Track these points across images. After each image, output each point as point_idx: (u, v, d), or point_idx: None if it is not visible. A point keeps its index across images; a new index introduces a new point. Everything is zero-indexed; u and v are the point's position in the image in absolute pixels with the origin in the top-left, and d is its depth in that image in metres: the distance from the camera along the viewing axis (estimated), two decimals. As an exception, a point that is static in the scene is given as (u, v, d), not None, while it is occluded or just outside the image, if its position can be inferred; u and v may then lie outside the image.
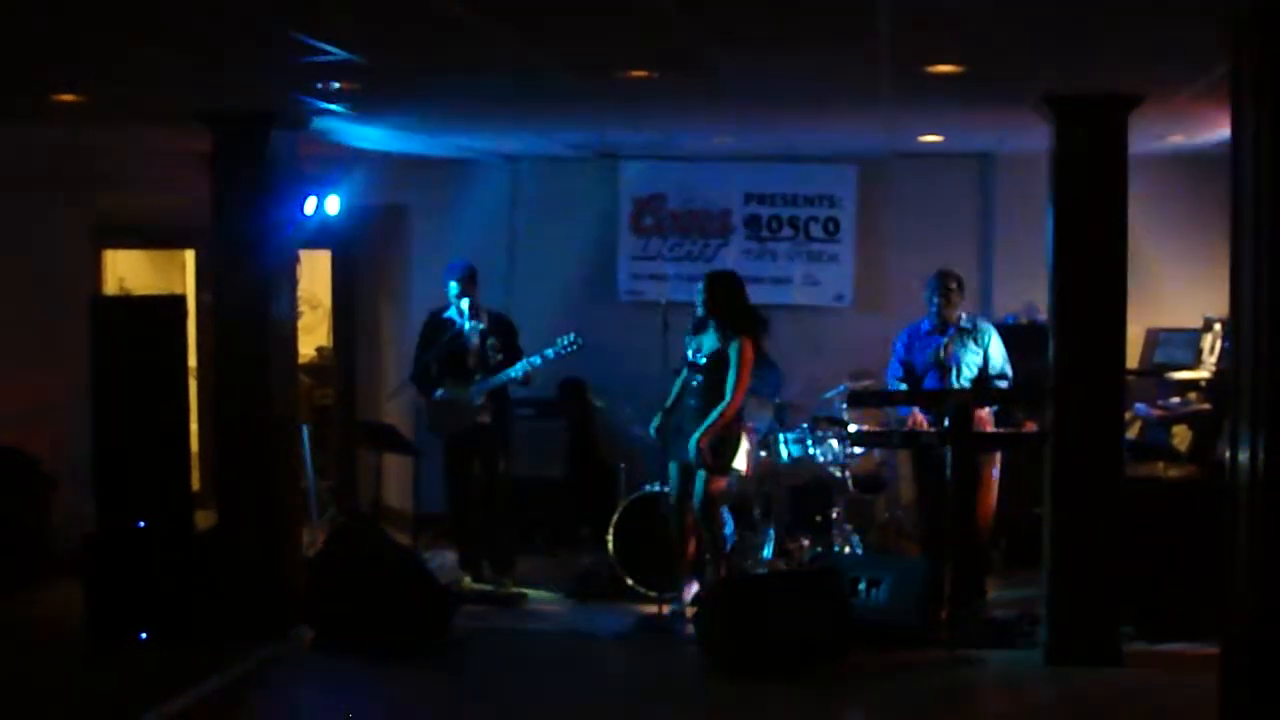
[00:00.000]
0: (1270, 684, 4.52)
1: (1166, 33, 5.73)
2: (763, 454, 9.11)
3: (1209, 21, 4.97)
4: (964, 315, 8.51)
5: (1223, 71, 4.94)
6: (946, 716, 7.03)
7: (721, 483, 8.36)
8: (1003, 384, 8.37)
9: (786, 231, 10.89)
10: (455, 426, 8.99)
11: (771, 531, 9.08)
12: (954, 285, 8.46)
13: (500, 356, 8.87)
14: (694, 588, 8.41)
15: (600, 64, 6.58)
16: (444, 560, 9.33)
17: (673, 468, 8.45)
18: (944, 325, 8.42)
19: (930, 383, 8.44)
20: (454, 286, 8.92)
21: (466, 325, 8.97)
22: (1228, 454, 4.71)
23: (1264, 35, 4.43)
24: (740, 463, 8.68)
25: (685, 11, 5.32)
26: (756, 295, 10.46)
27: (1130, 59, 6.43)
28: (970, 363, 8.37)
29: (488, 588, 8.94)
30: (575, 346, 8.75)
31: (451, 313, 8.99)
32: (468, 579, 9.03)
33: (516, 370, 8.80)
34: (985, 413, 8.20)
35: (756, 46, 6.11)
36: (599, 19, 5.55)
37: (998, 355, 8.41)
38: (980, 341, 8.41)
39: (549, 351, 8.78)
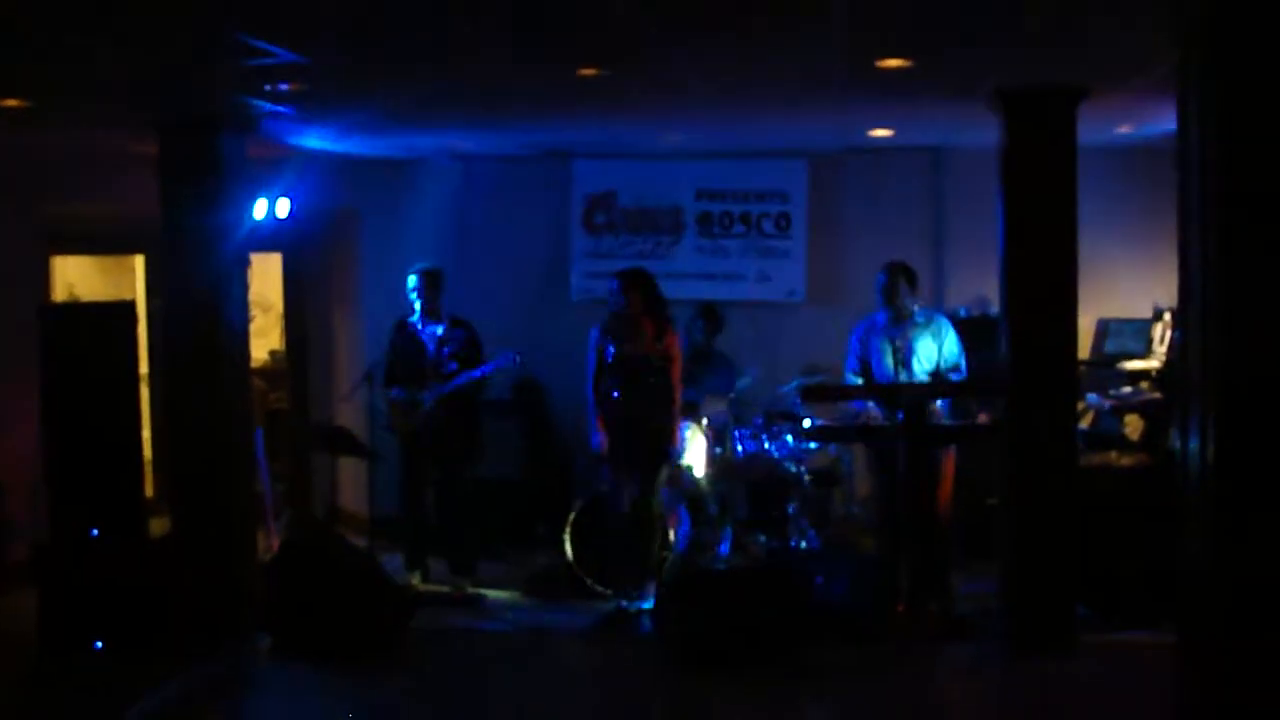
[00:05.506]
0: (1224, 671, 4.56)
1: (1114, 28, 5.77)
2: (719, 450, 9.11)
3: (1158, 16, 5.01)
4: (918, 308, 8.47)
5: (1170, 65, 4.97)
6: (902, 709, 7.04)
7: None
8: (956, 377, 8.38)
9: (738, 228, 10.90)
10: (405, 427, 8.99)
11: (729, 528, 9.09)
12: (900, 275, 8.40)
13: (454, 364, 8.84)
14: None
15: (550, 61, 6.57)
16: (398, 562, 9.27)
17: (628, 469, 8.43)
18: (899, 317, 8.38)
19: (884, 375, 8.40)
20: (411, 289, 8.90)
21: (423, 330, 8.95)
22: (1179, 442, 4.75)
23: (1211, 30, 4.47)
24: (696, 458, 8.70)
25: (636, 5, 5.31)
26: (709, 292, 10.61)
27: (1077, 54, 6.47)
28: (926, 356, 8.37)
29: (442, 589, 8.90)
30: (515, 364, 8.84)
31: (413, 317, 8.97)
32: (417, 579, 8.99)
33: (458, 382, 8.80)
34: (937, 405, 8.22)
35: (707, 40, 6.11)
36: (548, 14, 5.53)
37: (952, 348, 8.39)
38: (936, 335, 8.40)
39: (488, 366, 8.81)
